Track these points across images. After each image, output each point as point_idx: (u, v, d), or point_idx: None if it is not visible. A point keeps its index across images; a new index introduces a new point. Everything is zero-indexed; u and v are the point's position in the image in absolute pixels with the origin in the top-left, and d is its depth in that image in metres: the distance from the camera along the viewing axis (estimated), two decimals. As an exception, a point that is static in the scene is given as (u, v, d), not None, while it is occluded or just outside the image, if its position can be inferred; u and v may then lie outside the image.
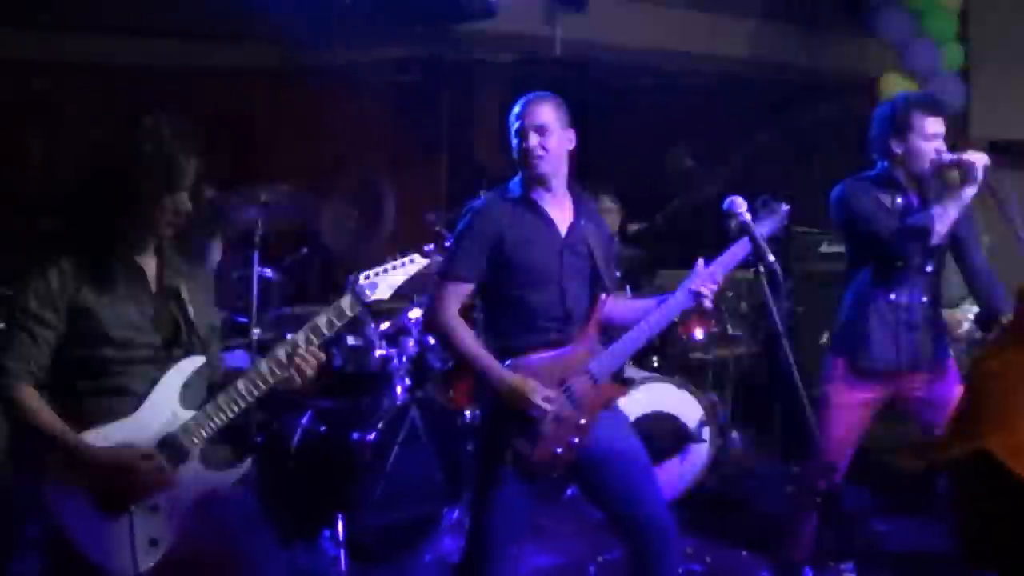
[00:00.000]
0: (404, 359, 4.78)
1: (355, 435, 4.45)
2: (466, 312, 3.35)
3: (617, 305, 3.41)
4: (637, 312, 3.33)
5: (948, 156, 3.69)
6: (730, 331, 5.82)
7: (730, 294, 5.79)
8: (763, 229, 3.27)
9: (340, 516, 4.32)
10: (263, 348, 4.24)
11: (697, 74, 7.64)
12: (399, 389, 4.73)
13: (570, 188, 3.36)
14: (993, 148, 3.91)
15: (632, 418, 4.21)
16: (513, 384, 3.13)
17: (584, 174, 3.50)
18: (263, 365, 2.71)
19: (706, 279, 3.27)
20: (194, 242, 2.88)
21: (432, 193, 7.20)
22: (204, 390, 2.77)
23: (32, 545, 3.17)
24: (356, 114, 6.92)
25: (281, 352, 2.72)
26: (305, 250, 5.50)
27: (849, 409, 3.85)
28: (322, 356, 2.77)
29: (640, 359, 5.51)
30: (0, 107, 5.86)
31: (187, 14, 5.99)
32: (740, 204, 3.22)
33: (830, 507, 3.76)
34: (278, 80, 6.87)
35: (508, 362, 3.19)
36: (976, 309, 4.84)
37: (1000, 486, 2.58)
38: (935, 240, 3.63)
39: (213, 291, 2.93)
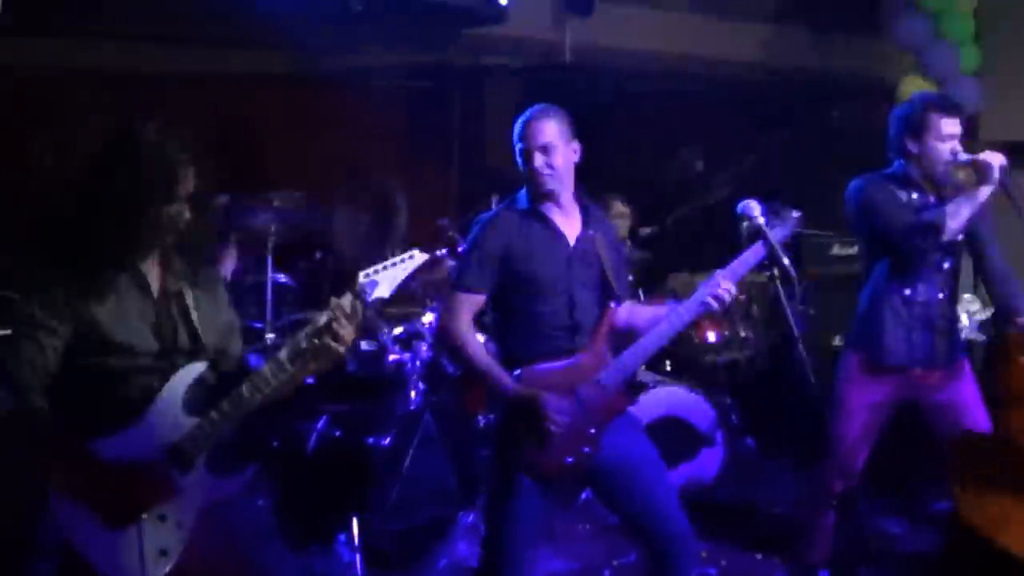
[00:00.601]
0: (418, 364, 4.79)
1: (370, 440, 4.46)
2: (477, 318, 3.36)
3: (629, 312, 3.41)
4: (649, 319, 3.33)
5: (964, 156, 3.69)
6: (743, 334, 5.82)
7: (742, 297, 5.78)
8: (776, 235, 3.27)
9: (355, 520, 4.33)
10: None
11: (708, 78, 7.63)
12: (413, 394, 4.74)
13: (577, 197, 3.38)
14: (1011, 149, 3.91)
15: (645, 422, 4.21)
16: (524, 398, 3.14)
17: (594, 178, 3.51)
18: (265, 369, 2.67)
19: (715, 287, 3.25)
20: (201, 247, 2.86)
21: (443, 198, 7.21)
22: (208, 396, 2.73)
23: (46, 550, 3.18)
24: (367, 119, 6.93)
25: (283, 355, 2.68)
26: (318, 255, 5.52)
27: (864, 409, 3.85)
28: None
29: (653, 362, 5.51)
30: (11, 113, 5.88)
31: (198, 21, 6.01)
32: (754, 207, 3.22)
33: (846, 509, 3.76)
34: (289, 86, 6.89)
35: (518, 371, 3.20)
36: (977, 304, 4.84)
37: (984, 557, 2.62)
38: (947, 237, 3.63)
39: (222, 293, 2.88)
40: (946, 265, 3.83)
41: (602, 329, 3.29)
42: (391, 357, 4.77)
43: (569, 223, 3.34)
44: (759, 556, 4.57)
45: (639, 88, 7.58)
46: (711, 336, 5.74)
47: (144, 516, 2.59)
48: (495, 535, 3.25)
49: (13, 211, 5.53)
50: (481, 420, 4.76)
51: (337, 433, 4.63)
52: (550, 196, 3.30)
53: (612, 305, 3.33)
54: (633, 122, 7.44)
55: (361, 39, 6.33)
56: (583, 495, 4.74)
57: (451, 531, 4.57)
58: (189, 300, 2.74)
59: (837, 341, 5.22)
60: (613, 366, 3.25)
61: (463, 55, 7.09)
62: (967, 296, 4.97)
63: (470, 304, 3.26)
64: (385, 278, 2.76)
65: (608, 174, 4.78)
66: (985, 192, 3.59)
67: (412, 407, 4.62)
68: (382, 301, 2.78)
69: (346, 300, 2.70)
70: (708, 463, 5.19)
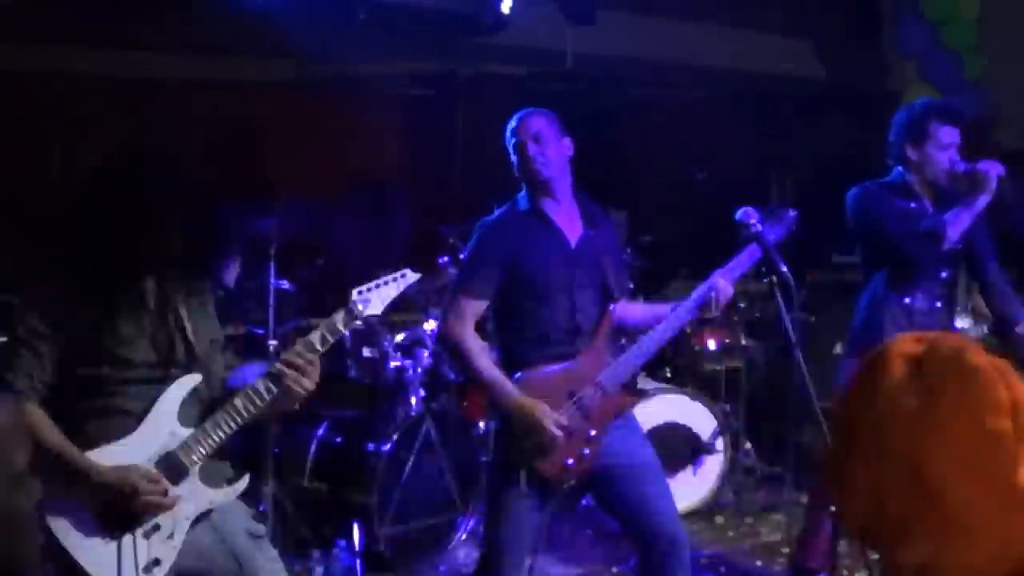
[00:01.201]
0: (419, 370, 4.80)
1: (370, 446, 4.47)
2: (477, 322, 3.37)
3: (629, 309, 3.43)
4: (649, 316, 3.35)
5: (962, 165, 3.70)
6: (743, 341, 5.83)
7: (743, 304, 5.79)
8: (771, 235, 3.29)
9: (356, 526, 4.35)
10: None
11: (709, 87, 7.65)
12: (414, 400, 4.75)
13: (578, 198, 3.39)
14: (1015, 157, 3.93)
15: (646, 428, 4.21)
16: (523, 406, 3.14)
17: (595, 187, 3.52)
18: (259, 383, 2.68)
19: (712, 287, 3.26)
20: (197, 258, 2.87)
21: (445, 205, 7.22)
22: (202, 407, 2.74)
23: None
24: (370, 127, 6.96)
25: (276, 369, 2.69)
26: (321, 262, 5.53)
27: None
28: (313, 375, 2.70)
29: (653, 370, 5.52)
30: (16, 119, 5.90)
31: (204, 28, 6.05)
32: (752, 215, 3.25)
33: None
34: (293, 93, 6.91)
35: (517, 375, 3.21)
36: (968, 320, 4.86)
37: None
38: (946, 245, 3.64)
39: (212, 307, 2.89)
40: (944, 275, 3.84)
41: (602, 331, 3.30)
42: (392, 363, 4.78)
43: (569, 223, 3.35)
44: (759, 563, 4.58)
45: (640, 96, 7.60)
46: (711, 344, 5.75)
47: (138, 526, 2.59)
48: (493, 539, 3.25)
49: (19, 217, 5.56)
50: (481, 426, 4.78)
51: (338, 439, 4.65)
52: (546, 186, 3.30)
53: (611, 307, 3.33)
54: (634, 130, 7.46)
55: (365, 47, 6.36)
56: (583, 502, 4.75)
57: (451, 537, 4.58)
58: (184, 312, 2.75)
59: (838, 348, 5.22)
60: (613, 367, 3.26)
61: (466, 63, 7.12)
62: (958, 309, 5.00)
63: (472, 309, 3.27)
64: (377, 295, 2.81)
65: (609, 182, 4.79)
66: (983, 201, 3.61)
67: (412, 413, 4.63)
68: (374, 317, 2.82)
69: (339, 316, 2.75)
70: (709, 470, 5.21)
